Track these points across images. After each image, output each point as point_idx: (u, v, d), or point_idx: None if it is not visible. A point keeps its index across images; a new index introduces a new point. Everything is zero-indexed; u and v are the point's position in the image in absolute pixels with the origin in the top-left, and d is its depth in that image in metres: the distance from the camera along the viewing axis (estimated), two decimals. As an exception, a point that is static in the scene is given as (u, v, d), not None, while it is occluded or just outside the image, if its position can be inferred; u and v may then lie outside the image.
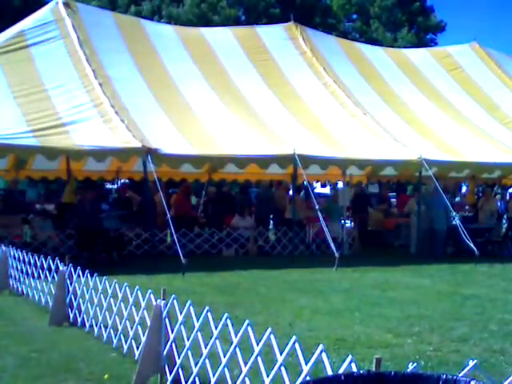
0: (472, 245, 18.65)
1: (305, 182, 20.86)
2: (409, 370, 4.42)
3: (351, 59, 26.09)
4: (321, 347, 5.28)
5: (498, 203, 25.71)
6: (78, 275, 10.12)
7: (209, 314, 6.76)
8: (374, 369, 4.28)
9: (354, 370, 4.83)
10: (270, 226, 22.58)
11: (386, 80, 25.59)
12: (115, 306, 8.87)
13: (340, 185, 23.76)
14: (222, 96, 21.55)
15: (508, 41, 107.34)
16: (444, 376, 3.53)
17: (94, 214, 18.69)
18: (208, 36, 24.68)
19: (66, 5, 21.93)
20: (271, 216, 22.97)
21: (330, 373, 5.07)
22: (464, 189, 21.40)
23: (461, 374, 4.55)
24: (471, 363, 4.77)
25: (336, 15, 53.65)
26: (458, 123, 23.82)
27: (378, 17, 54.62)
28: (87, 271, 9.88)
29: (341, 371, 4.90)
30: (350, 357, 5.01)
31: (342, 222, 21.55)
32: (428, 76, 26.67)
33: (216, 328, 6.56)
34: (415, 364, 4.77)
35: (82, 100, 18.96)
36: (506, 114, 25.25)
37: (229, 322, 6.45)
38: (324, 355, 5.25)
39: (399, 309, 11.92)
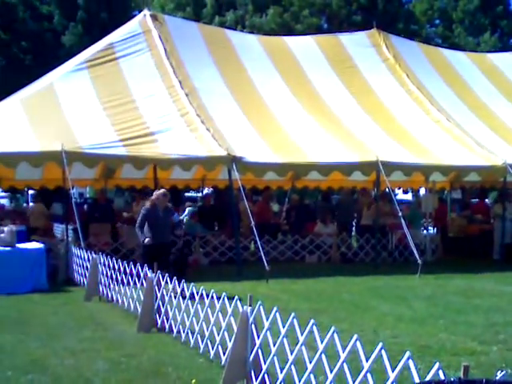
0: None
1: (387, 189, 20.70)
2: (498, 378, 4.38)
3: (434, 65, 25.77)
4: (407, 354, 5.27)
5: None
6: (166, 282, 10.29)
7: (294, 320, 6.81)
8: (462, 376, 4.26)
9: (442, 377, 4.80)
10: (353, 233, 22.47)
11: (469, 85, 25.20)
12: (202, 312, 9.00)
13: (422, 191, 23.47)
14: (304, 104, 21.59)
15: None
16: None
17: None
18: (291, 45, 24.75)
19: (153, 17, 22.34)
20: (353, 223, 22.84)
21: (416, 380, 5.04)
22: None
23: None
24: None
25: (418, 21, 53.01)
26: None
27: (460, 21, 53.75)
28: (175, 278, 10.03)
29: (427, 378, 4.87)
30: (437, 364, 4.98)
31: (425, 228, 21.33)
32: (512, 80, 26.17)
33: (302, 334, 6.60)
34: (504, 372, 4.71)
35: (169, 110, 19.27)
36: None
37: (315, 328, 6.49)
38: (411, 362, 5.23)
39: (484, 316, 11.76)
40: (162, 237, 13.71)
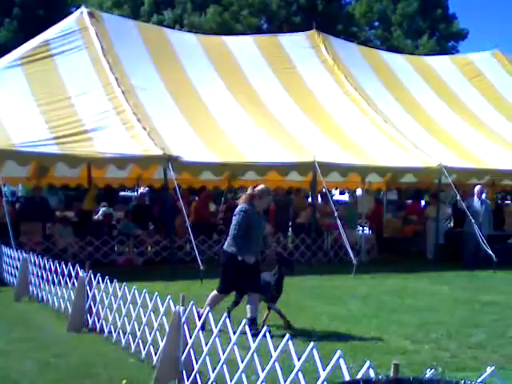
0: (490, 251, 18.61)
1: (324, 189, 20.82)
2: (426, 376, 4.42)
3: (372, 67, 26.06)
4: (338, 353, 5.29)
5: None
6: (98, 281, 10.17)
7: (227, 320, 6.79)
8: (391, 374, 4.29)
9: (372, 375, 4.83)
10: (289, 233, 22.51)
11: (406, 87, 25.56)
12: (134, 312, 8.92)
13: (359, 192, 23.70)
14: (243, 104, 21.59)
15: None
16: (462, 382, 3.53)
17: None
18: (230, 44, 24.74)
19: (91, 14, 22.08)
20: (289, 223, 22.88)
21: (347, 379, 5.06)
22: (484, 196, 21.24)
23: (478, 381, 4.55)
24: (489, 370, 4.77)
25: (358, 23, 53.61)
26: (478, 131, 23.78)
27: (399, 24, 54.52)
28: (107, 277, 9.93)
29: (358, 377, 4.90)
30: (367, 362, 5.02)
31: (360, 228, 21.52)
32: (449, 83, 26.61)
33: (234, 334, 6.59)
34: (433, 370, 4.76)
35: (105, 107, 19.06)
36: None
37: (247, 328, 6.47)
38: (342, 361, 5.25)
39: (417, 315, 11.92)
40: (257, 251, 10.68)
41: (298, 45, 25.43)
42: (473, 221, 19.24)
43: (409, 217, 24.20)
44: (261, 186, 10.67)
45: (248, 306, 10.19)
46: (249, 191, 10.64)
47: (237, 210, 10.52)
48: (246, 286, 10.26)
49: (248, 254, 10.23)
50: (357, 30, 51.62)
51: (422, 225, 22.72)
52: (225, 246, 10.50)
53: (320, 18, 39.68)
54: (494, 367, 4.78)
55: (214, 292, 10.52)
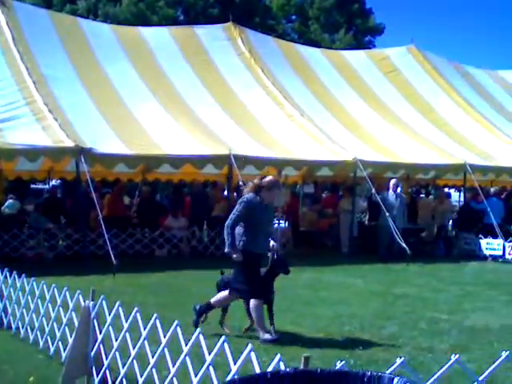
0: (404, 244, 18.95)
1: (240, 182, 20.82)
2: (336, 368, 4.44)
3: (289, 61, 26.22)
4: (250, 346, 5.28)
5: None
6: (6, 276, 9.93)
7: (137, 314, 6.70)
8: (302, 367, 4.29)
9: (282, 368, 4.83)
10: (205, 227, 22.45)
11: (323, 82, 25.79)
12: (43, 307, 8.74)
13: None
14: (158, 96, 21.44)
15: (445, 44, 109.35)
16: (369, 373, 3.57)
17: None
18: (145, 35, 24.53)
19: (1, 2, 21.57)
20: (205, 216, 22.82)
21: (258, 372, 5.06)
22: (399, 189, 21.62)
23: (388, 372, 4.60)
24: (398, 361, 4.84)
25: (275, 16, 53.79)
26: (393, 125, 24.19)
27: (316, 18, 54.91)
28: (15, 272, 9.69)
29: (269, 370, 4.89)
30: (278, 356, 5.03)
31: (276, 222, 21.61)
32: (365, 78, 26.97)
33: (145, 329, 6.51)
34: (343, 362, 4.80)
35: (15, 98, 18.66)
36: (441, 117, 25.72)
37: (158, 322, 6.41)
38: (253, 354, 5.24)
39: (331, 308, 12.03)
40: (265, 246, 9.91)
41: (214, 37, 25.39)
42: (387, 214, 19.54)
43: (324, 210, 24.43)
44: (270, 177, 9.89)
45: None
46: (256, 181, 9.72)
47: (240, 199, 9.79)
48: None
49: (255, 250, 9.61)
50: (274, 23, 51.79)
51: (337, 218, 22.96)
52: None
53: (237, 11, 39.66)
54: (403, 358, 4.85)
55: (254, 302, 9.58)
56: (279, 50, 26.88)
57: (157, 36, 24.83)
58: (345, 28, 53.11)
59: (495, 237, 21.09)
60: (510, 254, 20.63)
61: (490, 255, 21.14)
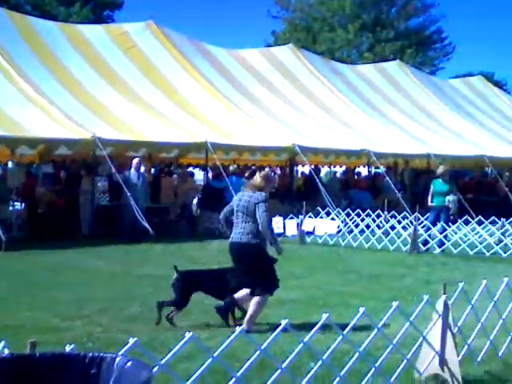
0: (147, 224, 18.92)
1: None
2: (59, 352, 4.24)
3: (21, 33, 25.15)
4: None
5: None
6: None
7: None
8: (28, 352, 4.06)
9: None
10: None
11: (59, 57, 25.03)
12: None
13: (10, 165, 22.85)
14: None
15: (186, 22, 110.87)
16: (90, 354, 3.54)
17: None
18: None
19: None
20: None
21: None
22: (142, 168, 21.56)
23: (121, 353, 4.48)
24: (131, 341, 4.73)
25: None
26: (134, 104, 23.95)
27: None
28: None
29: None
30: (2, 342, 4.74)
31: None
32: (104, 54, 26.47)
33: None
34: (72, 345, 4.60)
35: None
36: (182, 96, 25.91)
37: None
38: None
39: (69, 292, 11.71)
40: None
41: None
42: (129, 194, 19.39)
43: (63, 190, 23.71)
44: (267, 172, 10.09)
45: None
46: (260, 178, 9.51)
47: (259, 198, 9.24)
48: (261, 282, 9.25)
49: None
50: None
51: (77, 199, 22.42)
52: (245, 239, 9.24)
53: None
54: (136, 339, 4.74)
55: (258, 298, 9.17)
56: (11, 22, 25.67)
57: None
58: (81, 1, 52.01)
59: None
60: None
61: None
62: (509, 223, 19.96)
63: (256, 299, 9.15)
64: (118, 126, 21.93)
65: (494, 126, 36.99)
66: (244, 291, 9.30)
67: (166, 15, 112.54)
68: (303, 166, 29.74)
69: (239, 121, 25.61)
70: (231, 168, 24.47)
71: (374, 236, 19.86)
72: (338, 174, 32.95)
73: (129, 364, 3.45)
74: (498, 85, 56.76)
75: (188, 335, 5.01)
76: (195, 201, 25.06)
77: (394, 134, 30.11)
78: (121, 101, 23.81)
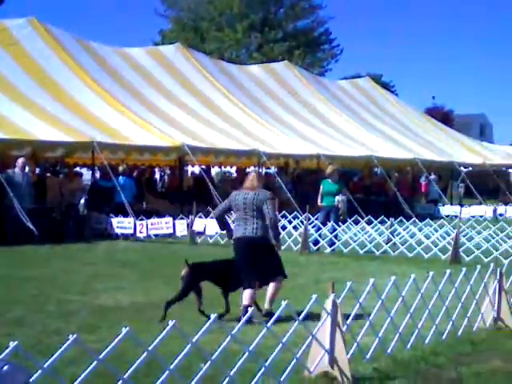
0: (31, 225, 18.50)
1: None
2: None
3: None
4: None
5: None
6: None
7: None
8: None
9: None
10: None
11: None
12: None
13: None
14: None
15: (70, 18, 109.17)
16: None
17: None
18: None
19: None
20: None
21: None
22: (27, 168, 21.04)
23: (1, 357, 4.34)
24: (12, 345, 4.54)
25: None
26: (17, 101, 23.32)
27: None
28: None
29: None
30: None
31: None
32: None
33: None
34: None
35: None
36: (67, 94, 25.43)
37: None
38: None
39: None
40: None
41: None
42: (11, 194, 18.91)
43: None
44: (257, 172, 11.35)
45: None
46: (257, 178, 10.27)
47: (267, 195, 10.02)
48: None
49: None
50: None
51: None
52: (259, 234, 9.93)
53: None
54: (16, 342, 4.56)
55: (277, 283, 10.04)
56: None
57: None
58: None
59: (126, 215, 21.38)
60: (141, 232, 20.99)
61: (122, 234, 21.39)
62: (397, 223, 20.45)
63: (275, 284, 9.96)
64: (2, 124, 21.31)
65: (381, 126, 37.92)
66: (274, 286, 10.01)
67: (50, 12, 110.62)
68: (193, 166, 29.70)
69: (127, 120, 25.33)
70: (121, 168, 24.14)
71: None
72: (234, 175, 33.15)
73: (5, 368, 3.34)
74: (386, 86, 58.27)
75: (72, 338, 4.87)
76: (83, 201, 24.68)
77: (284, 134, 30.42)
78: (3, 99, 23.13)
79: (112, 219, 21.62)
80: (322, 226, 18.95)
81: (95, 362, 4.99)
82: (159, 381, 5.40)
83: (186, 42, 48.13)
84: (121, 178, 23.03)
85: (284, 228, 20.30)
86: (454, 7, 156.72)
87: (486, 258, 15.69)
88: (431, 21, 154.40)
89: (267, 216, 9.81)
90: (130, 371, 5.22)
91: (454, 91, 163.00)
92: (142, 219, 21.23)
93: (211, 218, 21.62)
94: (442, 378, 7.11)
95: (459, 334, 8.64)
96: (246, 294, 9.78)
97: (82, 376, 4.92)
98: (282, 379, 6.32)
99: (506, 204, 33.57)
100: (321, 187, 19.21)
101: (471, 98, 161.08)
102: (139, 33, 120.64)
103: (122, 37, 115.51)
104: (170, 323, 5.43)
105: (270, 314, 9.03)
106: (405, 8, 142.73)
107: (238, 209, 10.00)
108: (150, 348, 5.32)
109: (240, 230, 9.97)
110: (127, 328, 5.15)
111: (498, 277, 9.17)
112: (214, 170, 34.03)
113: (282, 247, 18.53)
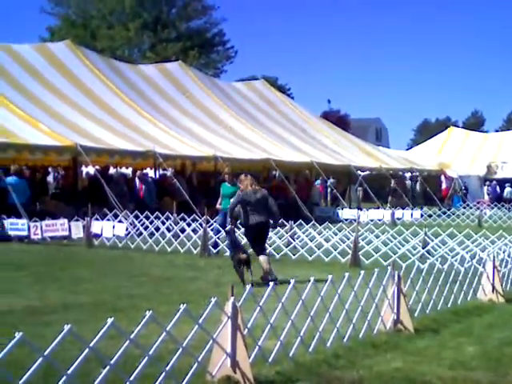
0: None
1: None
2: None
3: None
4: None
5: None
6: None
7: None
8: None
9: None
10: None
11: None
12: None
13: None
14: None
15: None
16: None
17: None
18: None
19: None
20: None
21: None
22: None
23: None
24: None
25: None
26: None
27: None
28: None
29: None
30: None
31: None
32: None
33: None
34: None
35: None
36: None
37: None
38: None
39: None
40: None
41: None
42: None
43: None
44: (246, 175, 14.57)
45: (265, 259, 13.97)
46: (248, 179, 14.26)
47: (265, 193, 14.42)
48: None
49: None
50: None
51: None
52: (267, 219, 14.26)
53: None
54: None
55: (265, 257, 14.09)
56: None
57: None
58: None
59: (19, 217, 20.90)
60: (35, 234, 20.53)
61: (15, 235, 20.89)
62: (297, 226, 20.60)
63: (267, 257, 14.14)
64: None
65: (279, 129, 38.17)
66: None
67: None
68: (87, 166, 29.23)
69: (16, 119, 24.73)
70: (12, 168, 23.50)
71: (163, 239, 19.80)
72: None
73: None
74: (282, 89, 58.71)
75: None
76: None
77: (180, 135, 30.24)
78: None
79: (4, 221, 21.06)
80: (221, 229, 18.89)
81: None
82: (56, 387, 5.25)
83: (76, 39, 47.25)
84: (12, 178, 22.45)
85: (183, 231, 20.20)
86: (350, 9, 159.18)
87: (385, 261, 15.90)
88: (325, 24, 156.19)
89: (272, 208, 14.16)
90: (24, 378, 5.06)
91: (348, 95, 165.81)
92: (36, 221, 20.75)
93: (107, 220, 21.37)
94: (343, 381, 7.17)
95: (360, 336, 8.73)
96: (265, 258, 13.92)
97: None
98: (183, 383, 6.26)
99: (402, 208, 34.24)
100: (220, 190, 19.14)
101: (366, 102, 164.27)
102: (24, 29, 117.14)
103: (7, 33, 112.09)
104: (65, 328, 5.28)
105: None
106: (298, 11, 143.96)
107: (251, 203, 13.91)
108: (45, 353, 5.17)
109: (255, 217, 13.95)
110: (21, 333, 4.99)
111: (396, 280, 9.32)
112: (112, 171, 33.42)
113: (181, 250, 18.69)
